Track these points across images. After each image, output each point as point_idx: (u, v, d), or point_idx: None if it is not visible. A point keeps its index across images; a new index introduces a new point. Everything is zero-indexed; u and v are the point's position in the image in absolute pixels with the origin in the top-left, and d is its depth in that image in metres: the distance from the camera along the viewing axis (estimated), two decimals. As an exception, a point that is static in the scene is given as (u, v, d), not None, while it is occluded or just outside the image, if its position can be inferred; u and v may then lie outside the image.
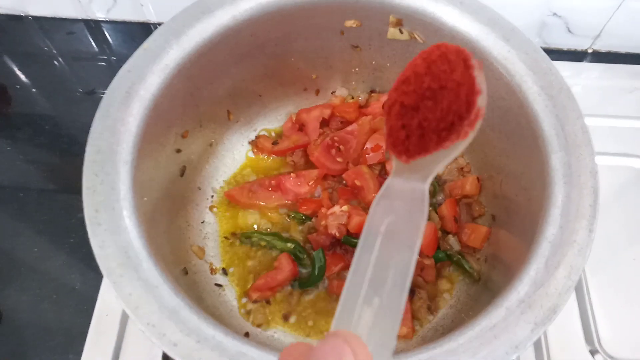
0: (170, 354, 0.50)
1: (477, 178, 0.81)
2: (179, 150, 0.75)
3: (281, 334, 0.76)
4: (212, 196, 0.85)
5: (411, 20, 0.72)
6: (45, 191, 0.95)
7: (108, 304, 0.78)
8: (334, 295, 0.78)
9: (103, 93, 0.63)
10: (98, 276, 0.83)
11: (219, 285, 0.78)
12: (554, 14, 1.03)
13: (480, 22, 0.68)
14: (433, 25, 0.71)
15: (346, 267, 0.78)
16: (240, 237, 0.82)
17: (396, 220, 0.43)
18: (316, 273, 0.76)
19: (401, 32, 0.74)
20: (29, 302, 0.84)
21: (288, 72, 0.85)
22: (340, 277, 0.79)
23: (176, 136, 0.74)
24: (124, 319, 0.78)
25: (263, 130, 0.92)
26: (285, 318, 0.77)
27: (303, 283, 0.78)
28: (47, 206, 0.93)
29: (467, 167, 0.84)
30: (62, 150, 0.99)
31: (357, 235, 0.78)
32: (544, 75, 0.64)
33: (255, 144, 0.90)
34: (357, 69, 0.87)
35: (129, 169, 0.59)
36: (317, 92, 0.92)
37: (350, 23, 0.76)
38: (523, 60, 0.65)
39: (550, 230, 0.55)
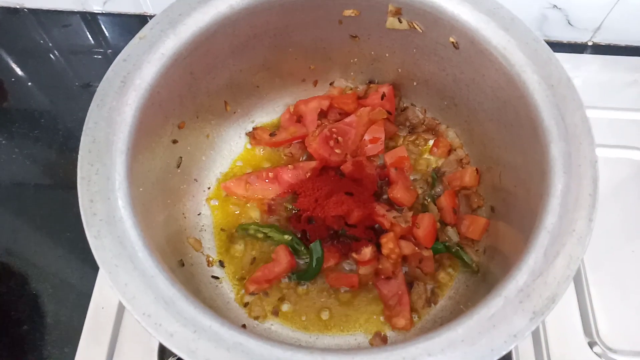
0: (166, 344, 0.50)
1: (476, 169, 0.80)
2: (175, 141, 0.75)
3: (278, 326, 0.75)
4: (209, 188, 0.85)
5: (410, 9, 0.71)
6: (41, 186, 0.95)
7: (104, 296, 0.78)
8: (332, 287, 0.78)
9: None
10: (94, 271, 0.82)
11: (216, 278, 0.78)
12: (554, 6, 1.03)
13: (480, 12, 0.67)
14: (432, 15, 0.70)
15: (345, 259, 0.78)
16: (238, 229, 0.81)
17: None
18: (314, 265, 0.76)
19: (400, 21, 0.74)
20: (26, 297, 0.84)
21: (286, 63, 0.85)
22: (338, 269, 0.78)
23: (173, 127, 0.73)
24: (120, 311, 0.77)
25: (260, 122, 0.92)
26: (275, 313, 0.76)
27: (301, 275, 0.77)
28: (43, 201, 0.93)
29: (466, 159, 0.84)
30: (58, 145, 0.99)
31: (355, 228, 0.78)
32: (544, 65, 0.63)
33: (252, 135, 0.89)
34: (355, 60, 0.86)
35: (125, 159, 0.59)
36: (315, 83, 0.91)
37: (348, 12, 0.75)
38: (523, 50, 0.65)
39: (550, 219, 0.55)
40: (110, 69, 0.63)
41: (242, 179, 0.83)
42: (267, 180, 0.83)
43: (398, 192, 0.79)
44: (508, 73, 0.65)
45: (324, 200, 0.78)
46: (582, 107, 0.60)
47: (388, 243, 0.73)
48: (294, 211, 0.82)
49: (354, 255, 0.75)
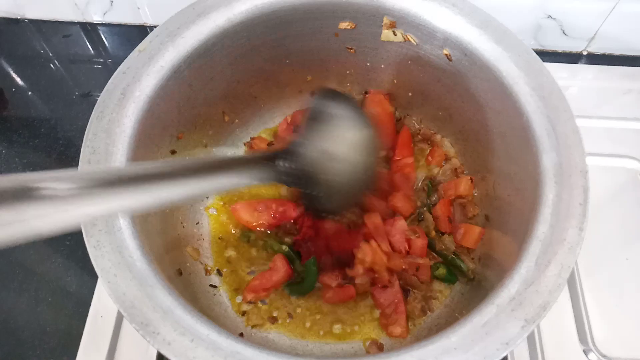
0: (164, 353, 0.50)
1: (471, 178, 0.81)
2: (174, 152, 0.76)
3: (275, 334, 0.76)
4: (207, 197, 0.86)
5: (405, 22, 0.73)
6: (41, 194, 0.95)
7: (103, 305, 0.79)
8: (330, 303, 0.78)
9: (99, 96, 0.63)
10: (93, 279, 0.83)
11: (214, 286, 0.78)
12: (549, 16, 1.04)
13: (472, 25, 0.68)
14: (426, 28, 0.71)
15: (340, 276, 0.78)
16: (240, 235, 0.82)
17: None
18: (308, 283, 0.76)
19: (395, 34, 0.75)
20: (25, 305, 0.84)
21: (283, 74, 0.86)
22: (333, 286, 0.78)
23: (171, 137, 0.74)
24: (119, 320, 0.78)
25: (261, 132, 0.93)
26: (272, 322, 0.77)
27: (294, 290, 0.78)
28: (43, 209, 0.93)
29: (461, 168, 0.85)
30: (58, 153, 1.00)
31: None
32: (536, 76, 0.64)
33: (250, 145, 0.90)
34: (351, 71, 0.87)
35: (124, 170, 0.60)
36: (312, 93, 0.92)
37: (344, 25, 0.76)
38: (515, 61, 0.66)
39: (541, 229, 0.56)
40: (110, 81, 0.64)
41: (252, 206, 0.82)
42: (272, 215, 0.82)
43: (399, 201, 0.80)
44: (500, 84, 0.66)
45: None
46: (572, 118, 0.61)
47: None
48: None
49: (347, 271, 0.75)
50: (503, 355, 0.50)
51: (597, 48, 1.11)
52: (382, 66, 0.84)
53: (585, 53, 1.12)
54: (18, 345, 0.81)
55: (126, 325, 0.78)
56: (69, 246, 0.89)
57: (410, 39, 0.74)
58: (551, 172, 0.58)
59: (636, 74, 1.05)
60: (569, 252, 0.54)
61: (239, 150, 0.91)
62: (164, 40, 0.67)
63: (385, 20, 0.73)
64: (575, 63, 1.11)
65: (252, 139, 0.91)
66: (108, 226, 0.56)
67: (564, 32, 1.07)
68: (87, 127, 0.61)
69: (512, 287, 0.53)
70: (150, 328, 0.51)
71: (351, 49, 0.82)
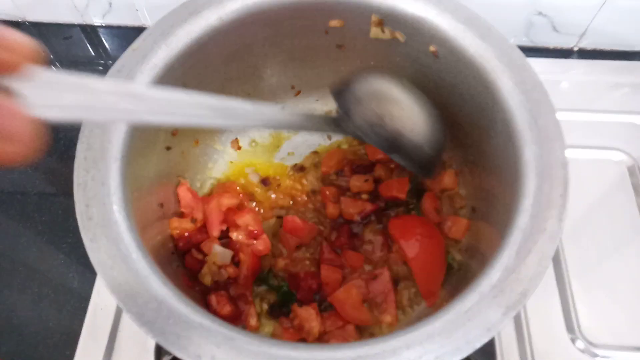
0: (158, 341, 0.52)
1: (455, 172, 0.83)
2: (169, 148, 0.77)
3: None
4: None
5: (392, 20, 0.74)
6: (43, 194, 0.97)
7: (103, 298, 0.81)
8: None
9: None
10: (94, 275, 0.85)
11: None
12: (540, 13, 1.05)
13: (457, 22, 0.70)
14: (413, 25, 0.73)
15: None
16: None
17: None
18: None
19: (383, 31, 0.76)
20: (28, 301, 0.86)
21: (275, 72, 0.87)
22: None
23: (166, 134, 0.76)
24: (118, 312, 0.80)
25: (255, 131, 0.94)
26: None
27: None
28: (45, 208, 0.95)
29: (450, 162, 0.86)
30: (60, 154, 1.01)
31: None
32: (519, 71, 0.66)
33: (235, 142, 0.92)
34: (342, 68, 0.88)
35: (119, 166, 0.61)
36: (302, 91, 0.94)
37: (334, 23, 0.78)
38: (498, 57, 0.67)
39: (522, 219, 0.57)
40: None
41: None
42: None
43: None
44: (485, 80, 0.67)
45: None
46: (553, 111, 0.63)
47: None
48: None
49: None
50: (485, 341, 0.51)
51: (588, 44, 1.12)
52: (372, 63, 0.85)
53: (576, 49, 1.14)
54: (21, 341, 0.83)
55: (125, 318, 0.80)
56: (71, 244, 0.91)
57: (398, 36, 0.76)
58: (532, 165, 0.60)
59: (626, 68, 1.06)
60: (549, 241, 0.56)
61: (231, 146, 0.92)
62: (157, 39, 0.68)
63: (374, 18, 0.75)
64: (567, 58, 1.13)
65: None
66: (104, 220, 0.58)
67: (555, 29, 1.09)
68: (83, 123, 0.63)
69: (493, 275, 0.55)
70: (145, 318, 0.53)
71: (342, 46, 0.83)
